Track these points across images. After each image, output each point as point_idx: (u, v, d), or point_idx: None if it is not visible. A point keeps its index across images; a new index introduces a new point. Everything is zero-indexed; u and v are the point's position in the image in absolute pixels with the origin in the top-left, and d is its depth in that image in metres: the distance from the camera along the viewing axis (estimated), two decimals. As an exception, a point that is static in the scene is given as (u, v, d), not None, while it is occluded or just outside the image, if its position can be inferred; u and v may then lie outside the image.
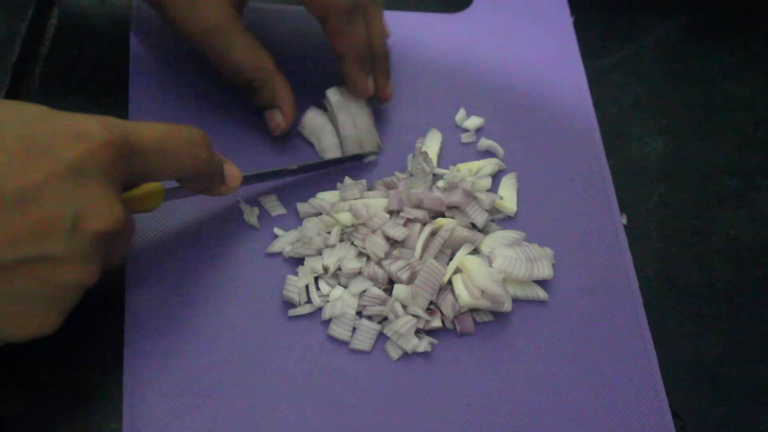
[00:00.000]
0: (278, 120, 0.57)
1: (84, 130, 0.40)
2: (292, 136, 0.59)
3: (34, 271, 0.39)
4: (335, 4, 0.54)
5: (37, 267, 0.39)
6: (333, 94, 0.58)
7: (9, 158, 0.38)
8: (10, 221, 0.38)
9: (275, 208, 0.56)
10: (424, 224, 0.54)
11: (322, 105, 0.60)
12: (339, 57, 0.56)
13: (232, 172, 0.51)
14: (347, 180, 0.58)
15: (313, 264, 0.53)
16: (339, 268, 0.53)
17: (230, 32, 0.54)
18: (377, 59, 0.58)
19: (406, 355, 0.52)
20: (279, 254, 0.54)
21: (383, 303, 0.52)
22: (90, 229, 0.40)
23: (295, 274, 0.53)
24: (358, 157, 0.59)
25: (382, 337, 0.52)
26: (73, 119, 0.40)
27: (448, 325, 0.53)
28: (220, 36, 0.53)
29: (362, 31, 0.56)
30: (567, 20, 0.70)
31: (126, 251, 0.45)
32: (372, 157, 0.59)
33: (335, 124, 0.58)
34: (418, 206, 0.55)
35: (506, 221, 0.58)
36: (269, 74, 0.56)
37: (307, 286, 0.53)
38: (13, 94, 0.57)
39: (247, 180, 0.53)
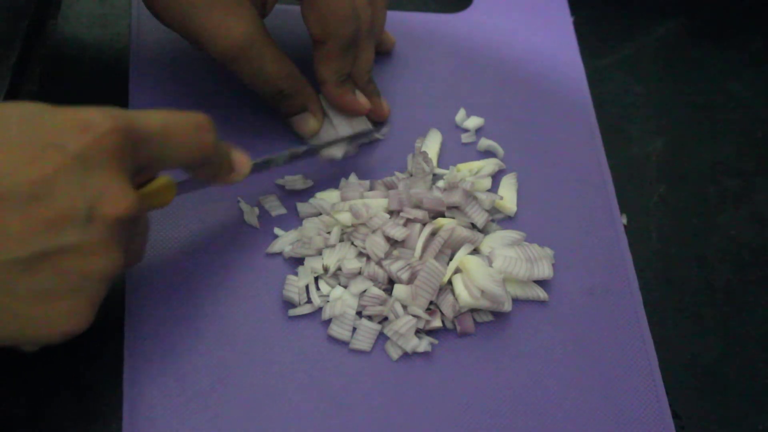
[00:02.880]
0: (312, 123, 0.58)
1: (87, 120, 0.40)
2: (292, 138, 0.59)
3: (55, 264, 0.39)
4: (340, 31, 0.54)
5: (58, 259, 0.39)
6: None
7: (15, 155, 0.38)
8: (24, 217, 0.38)
9: (275, 208, 0.56)
10: (424, 224, 0.54)
11: None
12: (322, 82, 0.57)
13: (241, 158, 0.50)
14: (350, 178, 0.58)
15: (313, 264, 0.53)
16: (339, 268, 0.53)
17: (262, 44, 0.54)
18: (363, 84, 0.58)
19: (406, 355, 0.52)
20: (279, 254, 0.54)
21: (383, 303, 0.52)
22: (105, 215, 0.40)
23: (295, 274, 0.53)
24: (366, 133, 0.59)
25: (382, 337, 0.52)
26: (74, 111, 0.40)
27: (448, 325, 0.53)
28: (253, 49, 0.53)
29: (352, 60, 0.56)
30: (567, 20, 0.70)
31: (144, 247, 0.46)
32: (385, 130, 0.60)
33: (332, 126, 0.59)
34: (418, 206, 0.55)
35: (506, 221, 0.58)
36: (298, 81, 0.56)
37: (307, 286, 0.53)
38: (13, 94, 0.57)
39: (257, 167, 0.52)
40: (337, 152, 0.58)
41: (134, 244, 0.44)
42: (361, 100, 0.58)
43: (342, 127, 0.58)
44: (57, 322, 0.40)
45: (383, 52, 0.64)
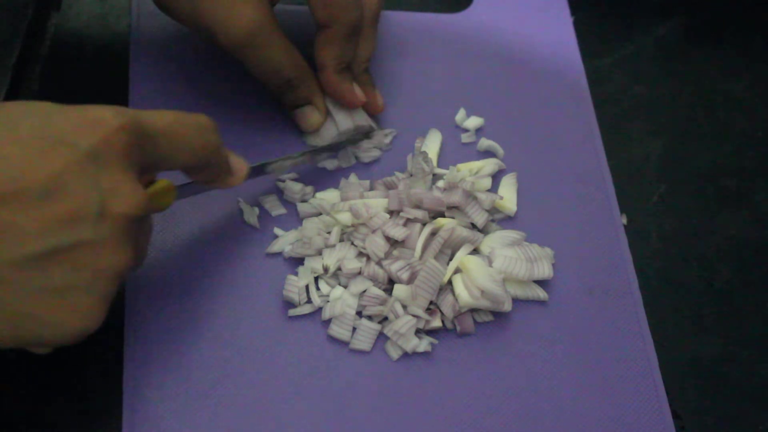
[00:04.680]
0: (316, 116, 0.58)
1: (97, 117, 0.40)
2: (292, 136, 0.59)
3: (68, 259, 0.39)
4: (345, 15, 0.54)
5: (71, 255, 0.39)
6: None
7: (27, 152, 0.38)
8: (38, 213, 0.38)
9: (275, 208, 0.56)
10: (424, 224, 0.54)
11: None
12: (322, 67, 0.57)
13: (238, 162, 0.50)
14: (350, 178, 0.58)
15: (313, 264, 0.53)
16: (339, 268, 0.53)
17: (271, 32, 0.54)
18: (358, 72, 0.58)
19: (406, 355, 0.52)
20: (279, 254, 0.54)
21: (383, 303, 0.52)
22: (116, 212, 0.40)
23: (295, 274, 0.53)
24: (358, 138, 0.59)
25: (382, 337, 0.52)
26: (83, 109, 0.41)
27: (448, 325, 0.53)
28: (262, 36, 0.53)
29: (354, 48, 0.57)
30: (567, 20, 0.70)
31: (147, 249, 0.46)
32: (373, 136, 0.60)
33: (333, 122, 0.59)
34: (418, 206, 0.55)
35: (506, 221, 0.58)
36: (305, 71, 0.57)
37: (307, 286, 0.53)
38: (13, 94, 0.57)
39: (254, 171, 0.53)
40: (330, 164, 0.58)
41: (139, 244, 0.44)
42: (358, 92, 0.58)
43: (343, 123, 0.58)
44: (70, 321, 0.40)
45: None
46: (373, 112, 0.60)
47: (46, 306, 0.39)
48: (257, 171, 0.54)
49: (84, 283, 0.40)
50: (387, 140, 0.60)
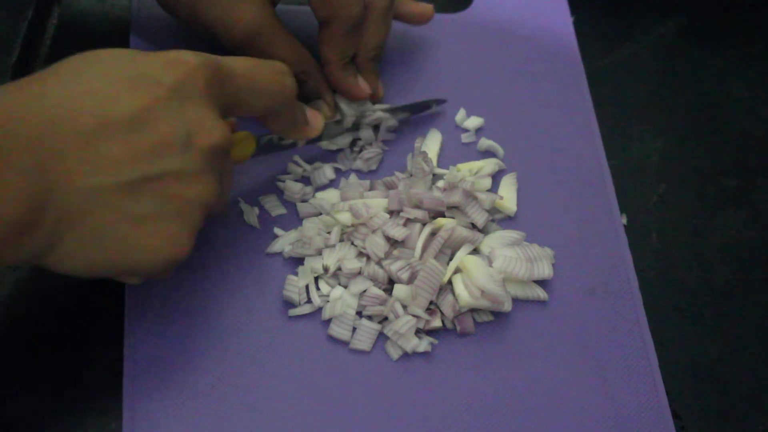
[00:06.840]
0: (325, 110, 0.58)
1: (178, 57, 0.43)
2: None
3: (157, 188, 0.41)
4: (344, 12, 0.55)
5: (160, 183, 0.41)
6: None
7: (116, 88, 0.41)
8: (128, 142, 0.40)
9: (275, 208, 0.56)
10: (424, 224, 0.54)
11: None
12: (325, 62, 0.57)
13: (314, 114, 0.54)
14: (350, 178, 0.58)
15: (313, 264, 0.53)
16: (339, 268, 0.53)
17: (273, 29, 0.55)
18: (364, 61, 0.58)
19: (406, 355, 0.52)
20: (279, 254, 0.54)
21: (383, 303, 0.52)
22: (202, 144, 0.43)
23: (295, 274, 0.53)
24: (425, 105, 0.62)
25: (382, 337, 0.52)
26: (165, 52, 0.43)
27: (448, 325, 0.53)
28: (264, 34, 0.54)
29: (355, 43, 0.57)
30: (567, 20, 0.70)
31: (229, 193, 0.48)
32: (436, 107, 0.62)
33: (342, 115, 0.59)
34: (418, 206, 0.55)
35: (506, 221, 0.58)
36: (312, 67, 0.57)
37: (307, 286, 0.53)
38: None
39: (327, 127, 0.56)
40: (328, 168, 0.59)
41: (223, 184, 0.46)
42: (362, 85, 0.58)
43: (350, 114, 0.59)
44: (160, 248, 0.42)
45: (416, 23, 0.64)
46: (372, 98, 0.60)
47: (138, 232, 0.41)
48: (330, 127, 0.56)
49: (172, 211, 0.42)
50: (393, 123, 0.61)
